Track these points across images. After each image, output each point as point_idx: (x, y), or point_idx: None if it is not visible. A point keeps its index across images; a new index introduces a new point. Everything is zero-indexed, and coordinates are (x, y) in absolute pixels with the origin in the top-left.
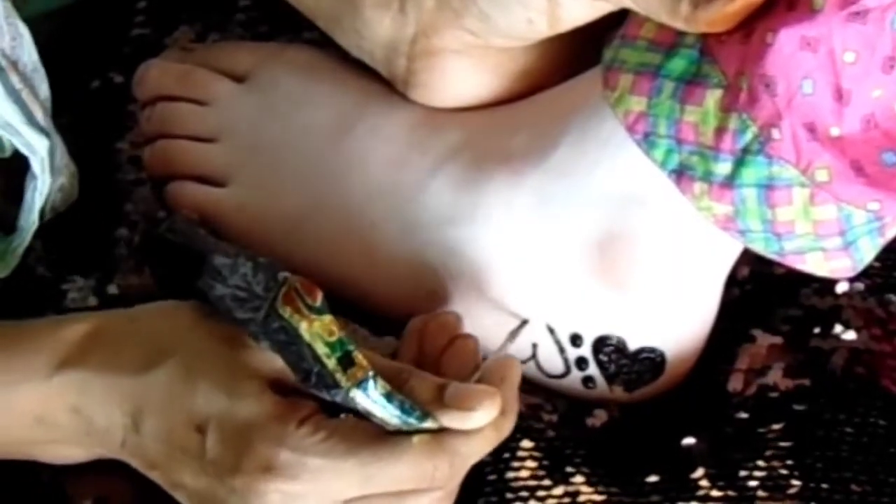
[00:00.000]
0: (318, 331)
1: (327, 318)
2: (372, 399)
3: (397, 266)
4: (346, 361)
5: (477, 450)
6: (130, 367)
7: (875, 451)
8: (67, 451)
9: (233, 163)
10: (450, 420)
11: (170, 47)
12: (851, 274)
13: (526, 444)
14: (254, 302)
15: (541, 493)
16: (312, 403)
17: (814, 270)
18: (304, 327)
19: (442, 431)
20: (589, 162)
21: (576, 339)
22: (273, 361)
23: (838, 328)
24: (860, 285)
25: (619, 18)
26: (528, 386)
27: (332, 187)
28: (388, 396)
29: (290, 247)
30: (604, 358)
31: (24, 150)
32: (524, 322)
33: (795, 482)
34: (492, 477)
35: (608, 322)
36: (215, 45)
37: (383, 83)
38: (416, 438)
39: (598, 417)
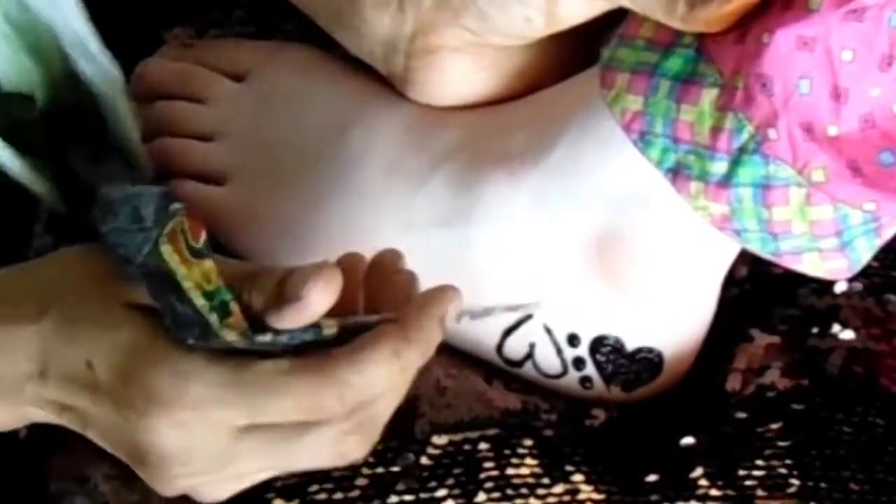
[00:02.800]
0: (197, 277)
1: (207, 263)
2: (254, 340)
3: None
4: (223, 312)
5: (372, 379)
6: (27, 318)
7: (873, 450)
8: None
9: (231, 161)
10: (286, 309)
11: (168, 43)
12: (848, 275)
13: (527, 441)
14: (139, 236)
15: (541, 491)
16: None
17: (810, 271)
18: (182, 273)
19: (329, 359)
20: (587, 162)
21: (573, 340)
22: None
23: (836, 328)
24: (858, 285)
25: (616, 17)
26: (527, 385)
27: (330, 186)
28: (276, 335)
29: (287, 245)
30: (601, 358)
31: (90, 75)
32: (527, 309)
33: (794, 481)
34: (493, 472)
35: (606, 322)
36: (214, 42)
37: (382, 82)
38: (302, 369)
39: (597, 417)
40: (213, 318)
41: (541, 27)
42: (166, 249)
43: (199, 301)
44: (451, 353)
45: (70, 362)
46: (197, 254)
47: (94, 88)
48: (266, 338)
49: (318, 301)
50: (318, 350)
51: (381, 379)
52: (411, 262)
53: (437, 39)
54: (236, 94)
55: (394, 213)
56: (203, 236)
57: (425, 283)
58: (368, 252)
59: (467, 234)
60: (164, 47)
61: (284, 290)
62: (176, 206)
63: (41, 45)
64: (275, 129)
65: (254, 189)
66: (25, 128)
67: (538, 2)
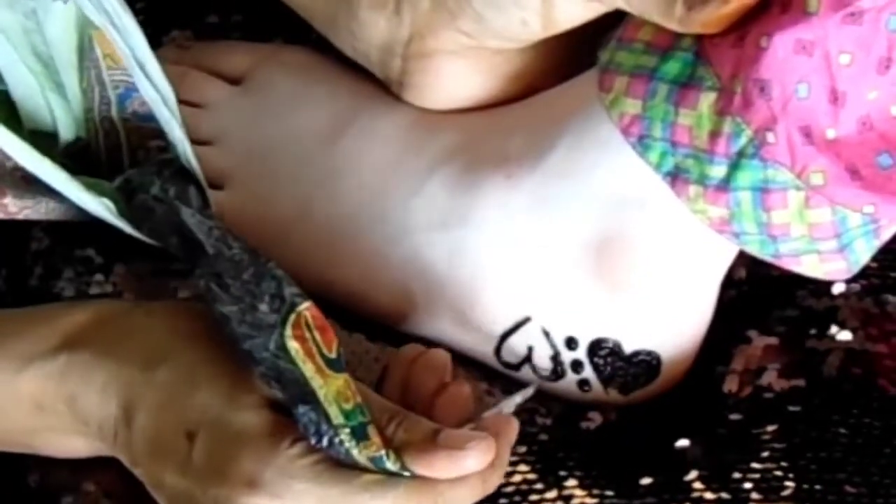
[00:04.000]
0: (334, 393)
1: (342, 377)
2: (384, 469)
3: (391, 269)
4: (360, 434)
5: (461, 498)
6: (133, 360)
7: (870, 452)
8: (68, 443)
9: (228, 165)
10: (441, 460)
11: (166, 45)
12: (847, 276)
13: (519, 448)
14: (253, 315)
15: (534, 497)
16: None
17: (809, 273)
18: (319, 385)
19: (429, 479)
20: (585, 165)
21: (571, 342)
22: None
23: (834, 329)
24: (857, 286)
25: (613, 20)
26: (522, 389)
27: (327, 189)
28: (402, 469)
29: (284, 248)
30: (599, 361)
31: (153, 97)
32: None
33: (790, 484)
34: None
35: (604, 325)
36: (211, 44)
37: (378, 85)
38: (403, 479)
39: (593, 420)
40: (348, 438)
41: (537, 30)
42: (297, 353)
43: (339, 421)
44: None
45: (164, 425)
46: (332, 365)
47: (155, 109)
48: (395, 468)
49: (474, 465)
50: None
51: (468, 500)
52: (408, 266)
53: (434, 43)
54: (233, 97)
55: (391, 215)
56: (336, 344)
57: (422, 286)
58: (369, 258)
59: (465, 237)
60: (161, 49)
61: (443, 441)
62: (293, 290)
63: (62, 80)
64: (272, 132)
65: (251, 192)
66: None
67: (535, 5)
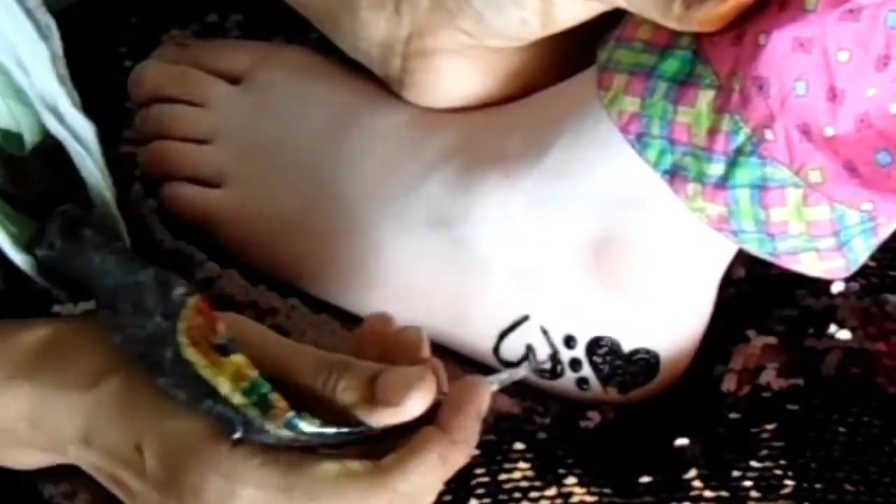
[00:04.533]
0: (230, 377)
1: (236, 358)
2: (301, 432)
3: (390, 267)
4: (264, 405)
5: (420, 486)
6: (79, 383)
7: (869, 450)
8: (30, 457)
9: (228, 164)
10: (380, 419)
11: (165, 43)
12: (845, 274)
13: (518, 445)
14: (143, 331)
15: (533, 495)
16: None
17: (807, 271)
18: (214, 375)
19: (380, 466)
20: (584, 163)
21: (570, 341)
22: None
23: (833, 328)
24: (855, 285)
25: (612, 19)
26: (521, 388)
27: (327, 188)
28: (321, 425)
29: (283, 248)
30: (598, 359)
31: (63, 135)
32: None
33: (789, 482)
34: (484, 479)
35: (602, 323)
36: (211, 43)
37: (378, 84)
38: (354, 476)
39: (592, 419)
40: (254, 414)
41: (537, 29)
42: (190, 353)
43: (239, 400)
44: (447, 355)
45: (117, 439)
46: (222, 350)
47: (67, 146)
48: (312, 428)
49: (415, 409)
50: (357, 443)
51: (429, 485)
52: (407, 265)
53: (433, 42)
54: (233, 96)
55: (390, 214)
56: (221, 328)
57: (421, 285)
58: (368, 256)
59: (463, 235)
60: (161, 47)
61: (381, 392)
62: (179, 291)
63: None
64: (271, 131)
65: (250, 191)
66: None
67: (534, 4)
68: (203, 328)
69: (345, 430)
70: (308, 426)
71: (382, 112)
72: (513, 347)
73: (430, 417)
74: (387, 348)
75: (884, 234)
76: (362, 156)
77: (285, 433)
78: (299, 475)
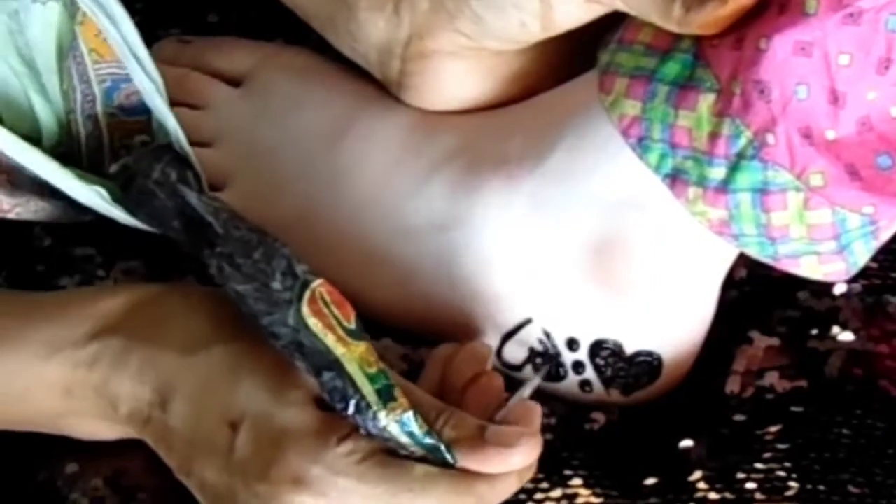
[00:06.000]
0: (357, 359)
1: (363, 345)
2: (406, 433)
3: (392, 270)
4: (387, 395)
5: (499, 494)
6: (171, 344)
7: (872, 452)
8: (94, 427)
9: (228, 167)
10: (489, 456)
11: (165, 39)
12: (845, 277)
13: None
14: (266, 293)
15: (538, 496)
16: (352, 422)
17: (808, 274)
18: (341, 353)
19: (469, 472)
20: (585, 166)
21: (572, 344)
22: None
23: (835, 329)
24: (858, 286)
25: (612, 22)
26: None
27: (327, 191)
28: (427, 433)
29: None
30: (600, 362)
31: (141, 78)
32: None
33: (793, 484)
34: None
35: (605, 326)
36: (211, 40)
37: (378, 87)
38: (446, 477)
39: (597, 420)
40: (374, 400)
41: (536, 31)
42: (314, 323)
43: (362, 382)
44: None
45: (206, 412)
46: (352, 334)
47: (149, 101)
48: (420, 431)
49: (521, 461)
50: (435, 463)
51: (505, 496)
52: (409, 268)
53: (433, 44)
54: (233, 99)
55: (391, 217)
56: (354, 315)
57: (422, 288)
58: (370, 259)
59: (465, 238)
60: (161, 42)
61: (492, 437)
62: (305, 270)
63: (44, 81)
64: (272, 133)
65: (251, 194)
66: None
67: (533, 6)
68: (334, 314)
69: (442, 445)
70: (419, 428)
71: (383, 115)
72: (516, 350)
73: None
74: (454, 361)
75: (884, 237)
76: (363, 159)
77: (392, 428)
78: (400, 470)
